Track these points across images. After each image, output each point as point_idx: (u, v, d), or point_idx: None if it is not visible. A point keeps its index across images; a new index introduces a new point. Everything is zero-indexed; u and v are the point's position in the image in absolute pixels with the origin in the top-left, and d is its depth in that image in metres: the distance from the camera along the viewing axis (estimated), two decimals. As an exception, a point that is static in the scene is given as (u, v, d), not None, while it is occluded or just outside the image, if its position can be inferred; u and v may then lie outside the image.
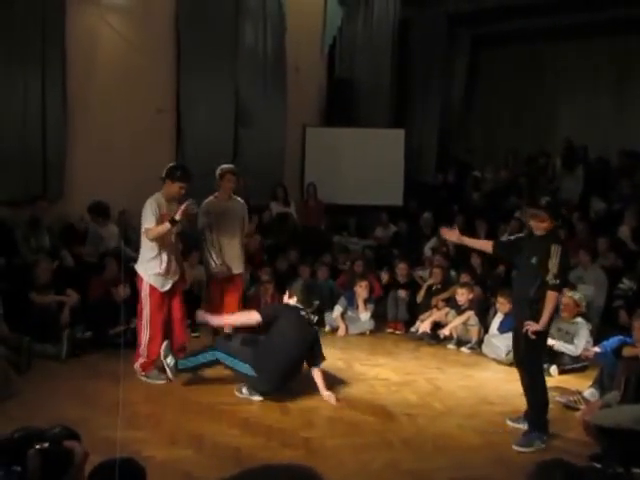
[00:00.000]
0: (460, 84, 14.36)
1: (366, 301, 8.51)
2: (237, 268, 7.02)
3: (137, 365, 6.08)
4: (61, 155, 8.21)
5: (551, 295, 4.80)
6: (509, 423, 5.29)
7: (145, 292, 5.98)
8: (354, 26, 13.16)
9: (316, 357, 5.88)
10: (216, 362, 5.79)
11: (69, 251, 7.85)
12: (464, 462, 4.66)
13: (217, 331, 7.30)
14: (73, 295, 7.01)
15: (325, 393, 5.78)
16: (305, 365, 5.93)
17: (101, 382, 5.83)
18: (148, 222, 5.87)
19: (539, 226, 4.93)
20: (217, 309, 7.14)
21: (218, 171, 6.88)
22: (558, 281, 4.77)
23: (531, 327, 4.80)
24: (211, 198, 6.92)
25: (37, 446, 1.47)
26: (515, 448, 4.86)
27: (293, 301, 5.96)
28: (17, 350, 5.88)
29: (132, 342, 6.35)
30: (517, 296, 5.24)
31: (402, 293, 8.66)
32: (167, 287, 6.06)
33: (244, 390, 5.75)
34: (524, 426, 5.09)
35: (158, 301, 6.02)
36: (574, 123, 13.15)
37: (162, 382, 6.00)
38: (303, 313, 5.89)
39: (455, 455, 4.76)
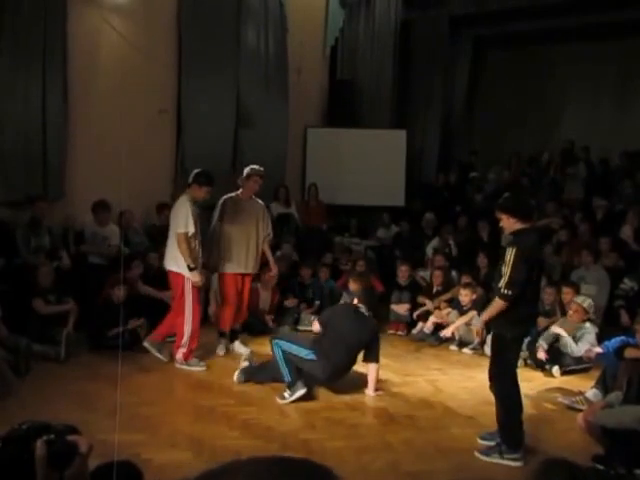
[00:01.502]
0: (462, 85, 14.33)
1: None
2: (251, 268, 7.05)
3: (179, 355, 6.49)
4: (62, 156, 8.18)
5: (497, 303, 4.57)
6: (480, 441, 4.93)
7: (187, 287, 6.37)
8: (356, 27, 13.16)
9: (372, 353, 5.97)
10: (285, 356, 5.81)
11: (69, 252, 7.83)
12: (465, 464, 4.63)
13: (223, 332, 7.25)
14: (73, 307, 6.96)
15: (370, 393, 5.98)
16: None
17: (100, 384, 5.80)
18: (182, 227, 6.28)
19: (503, 225, 4.79)
20: (232, 307, 7.10)
21: (247, 170, 7.04)
22: (509, 292, 4.49)
23: (476, 327, 4.75)
24: (232, 195, 7.04)
25: (44, 437, 1.51)
26: (475, 452, 4.76)
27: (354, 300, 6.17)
28: (15, 352, 5.86)
29: (130, 344, 6.35)
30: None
31: (402, 309, 8.61)
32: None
33: (286, 395, 5.65)
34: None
35: (197, 294, 6.53)
36: (577, 124, 13.13)
37: (202, 369, 6.51)
38: (362, 310, 6.03)
39: (456, 457, 4.73)
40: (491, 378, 4.80)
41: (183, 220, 6.27)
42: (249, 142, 10.65)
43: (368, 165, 12.02)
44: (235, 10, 10.34)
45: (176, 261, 6.34)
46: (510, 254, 4.48)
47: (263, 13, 10.92)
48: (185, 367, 6.47)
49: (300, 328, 8.44)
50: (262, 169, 7.11)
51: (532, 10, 12.14)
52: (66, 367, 6.36)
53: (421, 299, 8.60)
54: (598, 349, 6.15)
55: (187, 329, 6.43)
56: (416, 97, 13.75)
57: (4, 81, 7.55)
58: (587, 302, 7.02)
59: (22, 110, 7.74)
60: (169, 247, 6.46)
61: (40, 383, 5.78)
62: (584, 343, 6.83)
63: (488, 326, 7.53)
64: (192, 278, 6.31)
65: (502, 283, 4.50)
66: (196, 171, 6.51)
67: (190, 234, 6.29)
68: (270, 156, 11.01)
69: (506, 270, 4.48)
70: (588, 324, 7.00)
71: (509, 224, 4.69)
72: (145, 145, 9.00)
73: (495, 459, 4.65)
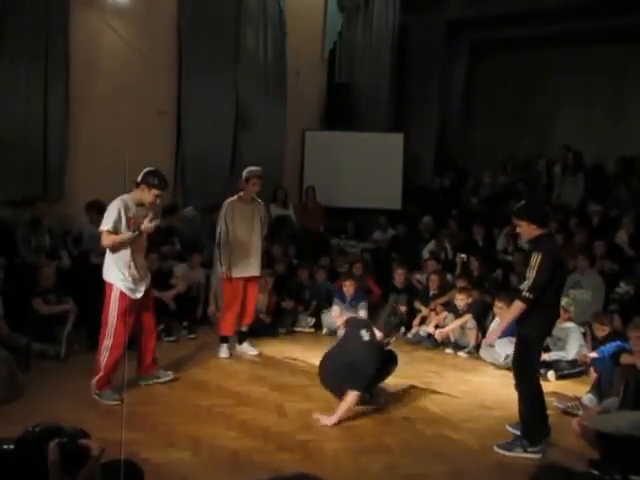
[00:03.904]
0: (459, 89, 14.41)
1: (353, 298, 8.49)
2: (254, 270, 7.00)
3: (94, 381, 5.57)
4: (62, 156, 8.20)
5: (516, 304, 4.71)
6: (508, 429, 5.18)
7: (114, 298, 5.49)
8: (354, 31, 13.21)
9: None
10: None
11: (69, 252, 7.85)
12: (462, 467, 4.67)
13: (224, 337, 7.21)
14: (72, 307, 6.96)
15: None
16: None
17: (99, 383, 5.81)
18: (106, 224, 5.39)
19: (520, 232, 4.97)
20: (234, 311, 7.05)
21: (245, 173, 6.92)
22: (531, 295, 4.62)
23: (488, 336, 4.81)
24: (234, 199, 6.97)
25: (56, 440, 1.54)
26: (494, 448, 4.89)
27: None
28: (16, 350, 5.86)
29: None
30: None
31: (401, 309, 8.62)
32: (138, 295, 5.62)
33: None
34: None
35: (125, 310, 5.51)
36: (572, 129, 13.19)
37: (115, 403, 5.44)
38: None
39: (453, 460, 4.77)
40: (516, 377, 4.96)
41: (106, 218, 5.40)
42: (248, 144, 10.69)
43: (365, 168, 12.07)
44: (235, 14, 10.39)
45: (107, 270, 5.56)
46: (535, 259, 4.62)
47: (262, 17, 10.97)
48: (97, 398, 5.49)
49: (297, 329, 8.51)
50: (259, 169, 7.04)
51: (528, 15, 12.20)
52: (65, 366, 6.38)
53: (417, 305, 8.63)
54: (594, 354, 6.18)
55: (107, 344, 5.50)
56: (413, 100, 13.83)
57: (5, 82, 7.58)
58: (564, 300, 7.07)
59: (23, 111, 7.77)
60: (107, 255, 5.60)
61: (39, 382, 5.78)
62: (572, 343, 6.87)
63: (483, 330, 7.68)
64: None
65: (525, 286, 4.66)
66: (147, 170, 5.57)
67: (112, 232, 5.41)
68: (268, 158, 11.05)
69: (530, 274, 4.62)
70: (570, 323, 7.05)
71: (529, 231, 4.82)
72: (145, 147, 9.00)
73: (518, 453, 4.79)
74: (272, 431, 5.08)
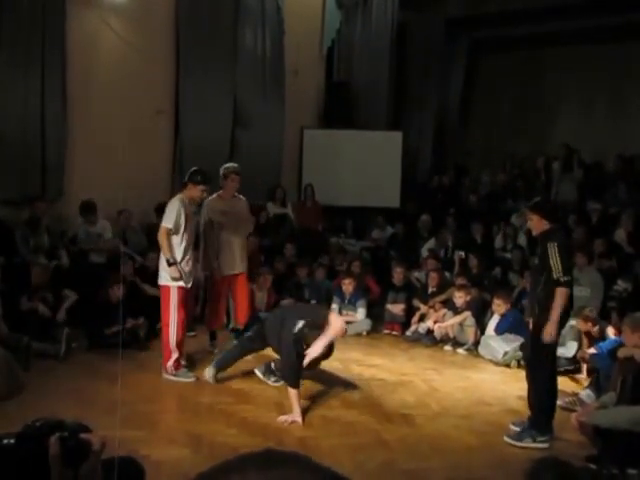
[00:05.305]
0: (458, 87, 14.40)
1: (352, 296, 8.52)
2: (240, 267, 7.00)
3: (170, 364, 6.17)
4: (60, 155, 8.21)
5: (560, 291, 4.85)
6: (512, 427, 5.21)
7: (172, 295, 6.08)
8: (352, 29, 13.19)
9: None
10: None
11: (68, 252, 7.86)
12: (460, 463, 4.69)
13: (214, 332, 7.29)
14: (71, 295, 6.98)
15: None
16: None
17: (99, 382, 5.83)
18: (166, 221, 6.03)
19: (531, 225, 5.21)
20: (219, 309, 7.13)
21: (222, 170, 6.92)
22: (566, 278, 4.83)
23: (546, 330, 4.86)
24: (214, 197, 6.92)
25: (58, 434, 1.55)
26: (505, 438, 4.98)
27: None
28: (16, 350, 5.87)
29: (129, 343, 6.37)
30: (530, 297, 5.58)
31: (397, 308, 8.65)
32: (190, 284, 6.30)
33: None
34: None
35: (182, 300, 6.19)
36: (572, 127, 13.19)
37: (192, 380, 6.14)
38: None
39: (451, 456, 4.79)
40: (530, 367, 5.17)
41: (170, 216, 6.01)
42: (246, 143, 10.69)
43: (364, 166, 12.05)
44: (232, 11, 10.39)
45: (164, 274, 6.13)
46: (553, 248, 4.83)
47: (260, 14, 10.96)
48: (173, 379, 6.13)
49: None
50: (237, 165, 7.08)
51: (527, 13, 12.20)
52: (65, 365, 6.39)
53: (416, 302, 8.65)
54: (592, 350, 6.20)
55: (172, 337, 6.12)
56: (412, 99, 13.81)
57: (3, 81, 7.58)
58: None
59: (21, 110, 7.78)
60: (161, 260, 6.22)
61: (39, 380, 5.79)
62: (570, 339, 6.89)
63: (482, 327, 7.70)
64: (171, 274, 6.00)
65: (557, 274, 4.82)
66: (192, 170, 6.32)
67: (174, 231, 6.02)
68: (266, 157, 11.07)
69: (555, 262, 4.81)
70: (571, 320, 7.06)
71: (540, 225, 5.05)
72: (143, 145, 9.03)
73: (528, 443, 4.91)
74: (272, 428, 5.11)
